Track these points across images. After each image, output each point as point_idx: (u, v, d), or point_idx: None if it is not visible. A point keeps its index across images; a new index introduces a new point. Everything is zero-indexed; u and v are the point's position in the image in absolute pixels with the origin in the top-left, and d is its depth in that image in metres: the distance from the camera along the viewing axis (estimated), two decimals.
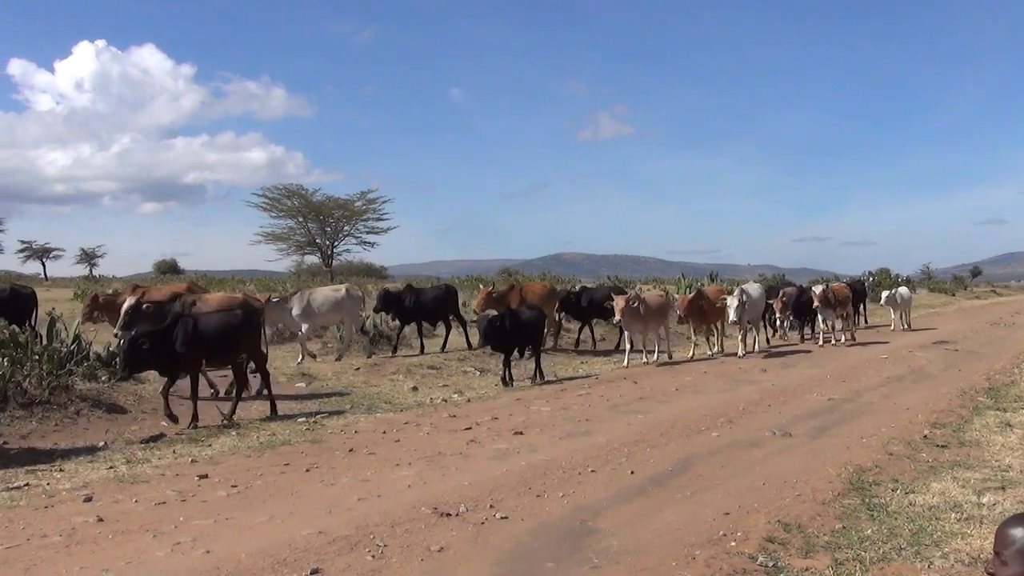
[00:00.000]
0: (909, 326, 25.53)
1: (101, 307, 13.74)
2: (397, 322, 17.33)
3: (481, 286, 20.79)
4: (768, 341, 21.60)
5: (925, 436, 9.36)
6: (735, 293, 17.77)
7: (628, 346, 17.08)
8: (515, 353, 14.29)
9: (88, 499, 6.93)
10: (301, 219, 53.73)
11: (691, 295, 18.35)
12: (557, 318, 19.12)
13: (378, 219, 55.21)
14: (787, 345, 21.16)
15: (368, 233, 55.54)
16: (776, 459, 8.34)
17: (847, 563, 5.41)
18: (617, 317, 15.86)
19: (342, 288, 16.34)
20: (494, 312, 14.84)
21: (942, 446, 8.93)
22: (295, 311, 15.21)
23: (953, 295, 51.54)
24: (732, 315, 17.27)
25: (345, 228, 54.87)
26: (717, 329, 19.01)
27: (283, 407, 11.53)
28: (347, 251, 56.26)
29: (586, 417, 10.71)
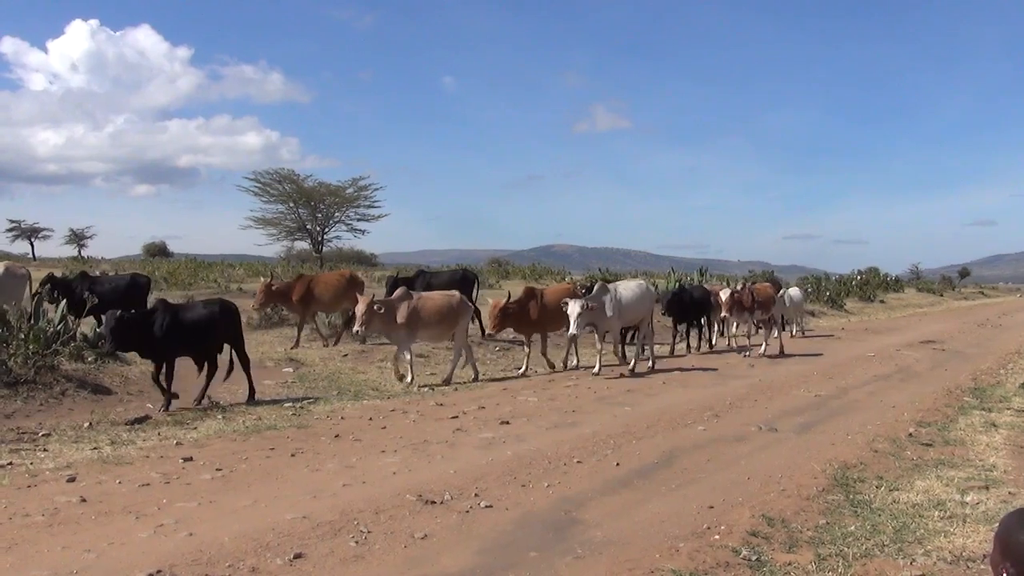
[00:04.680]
0: (803, 333, 22.79)
1: None
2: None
3: (262, 278, 17.93)
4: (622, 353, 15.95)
5: (910, 434, 9.39)
6: (583, 297, 13.84)
7: (407, 355, 12.91)
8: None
9: (72, 479, 6.90)
10: (292, 204, 53.58)
11: (504, 301, 14.38)
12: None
13: (369, 206, 55.10)
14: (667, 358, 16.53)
15: (359, 220, 55.44)
16: (761, 454, 8.35)
17: (830, 558, 5.42)
18: (356, 327, 12.56)
19: (0, 265, 14.42)
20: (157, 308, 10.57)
21: (927, 444, 8.96)
22: None
23: (941, 295, 51.79)
24: (572, 326, 13.39)
25: (336, 215, 54.75)
26: (543, 339, 15.04)
27: (269, 392, 11.53)
28: (338, 238, 56.18)
29: (573, 408, 10.71)
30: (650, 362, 15.01)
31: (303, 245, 55.83)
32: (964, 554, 5.55)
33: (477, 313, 15.44)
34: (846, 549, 5.59)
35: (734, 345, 17.54)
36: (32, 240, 66.02)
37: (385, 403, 10.95)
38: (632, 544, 5.62)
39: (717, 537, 5.78)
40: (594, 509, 6.39)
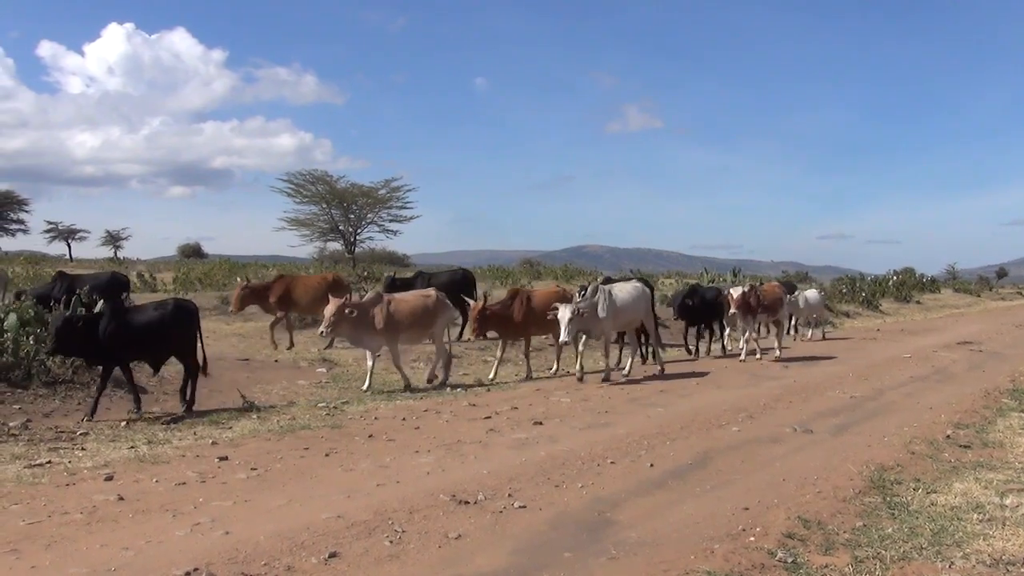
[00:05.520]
0: (823, 336, 21.74)
1: None
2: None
3: (239, 279, 17.46)
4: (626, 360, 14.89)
5: (948, 436, 9.27)
6: (575, 301, 13.02)
7: (371, 361, 12.26)
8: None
9: (109, 478, 6.99)
10: (325, 205, 53.85)
11: (481, 303, 13.57)
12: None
13: (401, 207, 55.26)
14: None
15: (391, 221, 55.62)
16: (797, 455, 8.28)
17: (867, 561, 5.37)
18: (321, 328, 11.98)
19: None
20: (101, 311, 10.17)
21: (965, 446, 8.85)
22: None
23: (978, 296, 51.09)
24: (564, 333, 12.65)
25: (368, 216, 54.94)
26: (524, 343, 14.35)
27: (303, 392, 11.60)
28: (370, 239, 56.38)
29: (606, 409, 10.69)
30: (626, 368, 14.23)
31: (336, 246, 56.14)
32: (1004, 557, 5.48)
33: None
34: (883, 552, 5.54)
35: (755, 348, 16.89)
36: (69, 241, 67.02)
37: (418, 403, 10.98)
38: (666, 545, 5.60)
39: (752, 539, 5.75)
40: (628, 510, 6.37)
